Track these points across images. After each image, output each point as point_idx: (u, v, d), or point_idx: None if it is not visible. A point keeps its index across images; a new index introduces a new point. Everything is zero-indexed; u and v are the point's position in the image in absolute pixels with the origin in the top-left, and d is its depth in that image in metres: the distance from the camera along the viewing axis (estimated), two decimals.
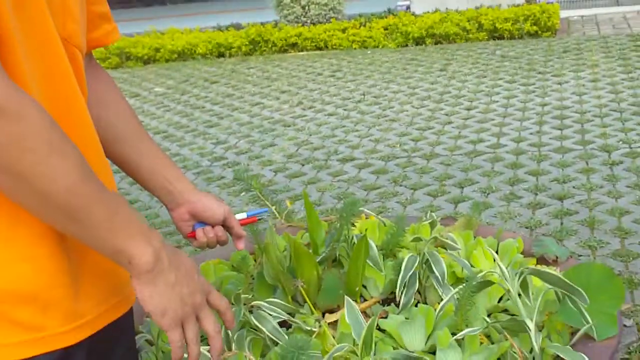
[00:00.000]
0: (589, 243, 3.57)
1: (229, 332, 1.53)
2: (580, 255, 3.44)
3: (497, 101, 6.21)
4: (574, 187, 4.28)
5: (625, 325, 2.87)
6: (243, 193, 4.76)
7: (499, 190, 4.38)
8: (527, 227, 3.84)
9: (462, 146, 5.23)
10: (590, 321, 1.42)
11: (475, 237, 1.89)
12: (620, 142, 4.90)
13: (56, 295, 1.06)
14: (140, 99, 7.96)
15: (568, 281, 1.43)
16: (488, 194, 4.34)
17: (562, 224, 3.84)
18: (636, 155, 4.65)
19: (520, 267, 1.73)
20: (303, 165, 5.25)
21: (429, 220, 1.89)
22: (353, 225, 1.94)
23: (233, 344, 1.52)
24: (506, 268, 1.57)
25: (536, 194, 4.25)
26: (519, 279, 1.48)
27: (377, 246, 1.83)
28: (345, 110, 6.50)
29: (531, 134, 5.30)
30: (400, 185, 4.65)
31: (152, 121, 6.96)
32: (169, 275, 1.08)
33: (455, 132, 5.55)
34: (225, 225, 1.59)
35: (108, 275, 1.15)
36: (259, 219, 1.72)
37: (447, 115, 5.99)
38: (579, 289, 1.42)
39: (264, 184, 4.91)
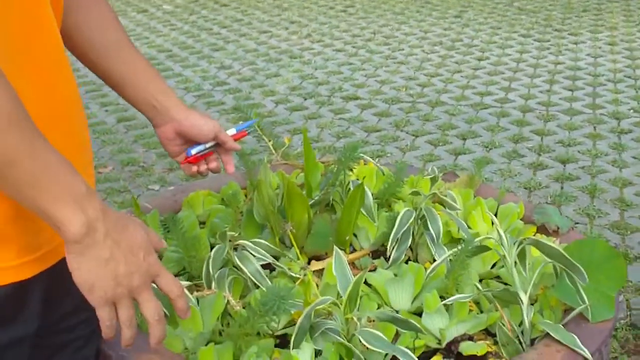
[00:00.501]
0: (588, 211, 3.51)
1: (211, 269, 1.47)
2: (577, 223, 3.38)
3: (510, 54, 6.08)
4: (578, 151, 4.20)
5: None
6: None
7: (502, 146, 4.29)
8: (526, 188, 3.77)
9: (469, 97, 5.12)
10: (587, 301, 1.36)
11: (475, 196, 1.82)
12: (632, 111, 4.80)
13: (11, 229, 0.99)
14: (148, 15, 7.80)
15: (569, 257, 1.36)
16: (490, 149, 4.26)
17: (562, 188, 3.77)
18: None
19: (519, 235, 1.68)
20: (305, 99, 5.15)
21: (431, 175, 1.81)
22: (351, 170, 1.86)
23: (213, 283, 1.46)
24: (505, 234, 1.51)
25: (539, 155, 4.17)
26: (517, 248, 1.41)
27: (372, 194, 1.76)
28: (354, 47, 6.37)
29: (541, 92, 5.19)
30: (402, 131, 4.56)
31: (157, 39, 6.83)
32: (102, 250, 0.95)
33: (464, 81, 5.44)
34: (216, 143, 1.51)
35: None
36: (249, 132, 1.66)
37: (457, 63, 5.87)
38: (579, 266, 1.35)
39: (264, 114, 4.82)
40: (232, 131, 1.58)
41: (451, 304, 1.40)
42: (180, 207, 1.84)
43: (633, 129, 4.50)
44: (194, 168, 1.51)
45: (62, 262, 1.05)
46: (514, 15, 7.44)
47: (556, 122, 4.65)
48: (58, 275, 1.08)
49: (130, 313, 1.03)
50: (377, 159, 4.00)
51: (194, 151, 1.51)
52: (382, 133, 4.53)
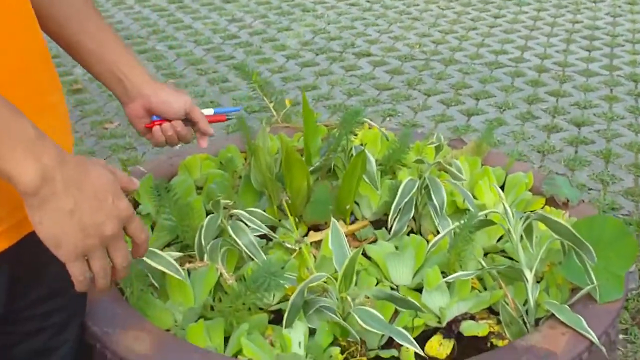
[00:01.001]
0: (602, 177, 3.42)
1: (203, 240, 1.41)
2: (591, 189, 3.30)
3: (526, 12, 5.95)
4: (594, 114, 4.10)
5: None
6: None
7: (516, 107, 4.20)
8: (539, 151, 3.68)
9: (484, 55, 5.01)
10: (595, 281, 1.29)
11: (483, 165, 1.75)
12: None
13: None
14: None
15: (577, 234, 1.29)
16: (504, 110, 4.16)
17: (576, 152, 3.68)
18: None
19: (527, 207, 1.61)
20: (317, 54, 5.06)
21: (436, 143, 1.74)
22: (354, 134, 1.79)
23: (205, 255, 1.40)
24: (511, 207, 1.44)
25: (554, 117, 4.08)
26: (523, 222, 1.34)
27: (376, 161, 1.69)
28: (368, 2, 6.24)
29: (557, 51, 5.07)
30: (414, 89, 4.47)
31: None
32: (64, 201, 0.85)
33: (479, 39, 5.32)
34: (188, 121, 1.42)
35: None
36: (229, 119, 1.56)
37: (472, 20, 5.74)
38: (588, 245, 1.28)
39: (275, 69, 4.73)
40: (208, 111, 1.48)
41: (452, 282, 1.34)
42: (177, 172, 1.77)
43: None
44: (160, 137, 1.41)
45: (28, 242, 0.98)
46: None
47: (572, 83, 4.54)
48: (24, 256, 1.01)
49: (104, 264, 0.93)
50: (388, 118, 3.92)
51: (156, 117, 1.40)
52: (394, 91, 4.44)
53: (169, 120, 1.40)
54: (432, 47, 5.16)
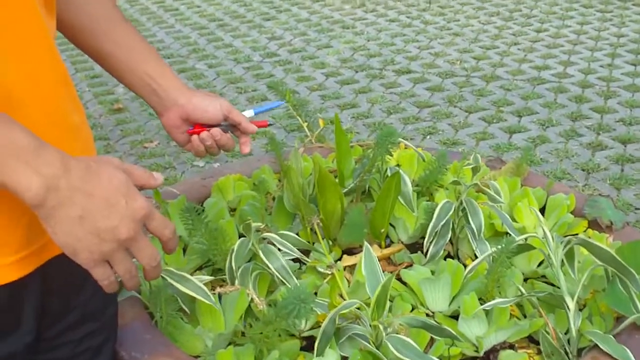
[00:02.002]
0: None
1: (234, 264, 1.38)
2: (638, 209, 3.21)
3: (570, 26, 5.85)
4: None
5: None
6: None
7: (559, 124, 4.12)
8: (583, 170, 3.60)
9: (526, 71, 4.94)
10: None
11: (522, 185, 1.70)
12: None
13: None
14: None
15: (621, 260, 1.24)
16: (547, 127, 4.09)
17: (622, 170, 3.59)
18: None
19: (569, 230, 1.55)
20: (357, 72, 5.03)
21: (473, 165, 1.69)
22: (390, 154, 1.75)
23: (236, 279, 1.37)
24: (552, 230, 1.39)
25: (598, 134, 3.99)
26: (564, 247, 1.29)
27: (412, 182, 1.65)
28: (408, 17, 6.21)
29: (601, 66, 4.98)
30: (455, 106, 4.41)
31: (208, 7, 6.75)
32: (72, 208, 0.82)
33: (521, 54, 5.25)
34: (229, 126, 1.37)
35: None
36: (270, 125, 1.50)
37: (514, 35, 5.67)
38: (633, 272, 1.23)
39: (314, 87, 4.71)
40: (249, 113, 1.43)
41: (490, 309, 1.29)
42: (210, 193, 1.75)
43: None
44: (199, 147, 1.36)
45: (58, 264, 0.97)
46: None
47: (617, 99, 4.45)
48: (54, 281, 0.99)
49: (127, 265, 0.90)
50: (428, 136, 3.87)
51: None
52: (434, 109, 4.38)
53: (208, 129, 1.36)
54: (473, 64, 5.09)
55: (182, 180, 1.84)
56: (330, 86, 4.77)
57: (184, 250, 1.56)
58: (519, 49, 5.36)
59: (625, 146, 3.85)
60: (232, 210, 1.71)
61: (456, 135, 4.03)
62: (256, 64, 5.25)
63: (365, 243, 1.37)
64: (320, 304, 1.30)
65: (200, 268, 1.53)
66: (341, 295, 1.33)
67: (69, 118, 0.99)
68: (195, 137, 1.36)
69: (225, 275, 1.43)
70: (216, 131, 1.35)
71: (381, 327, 1.14)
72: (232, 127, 1.38)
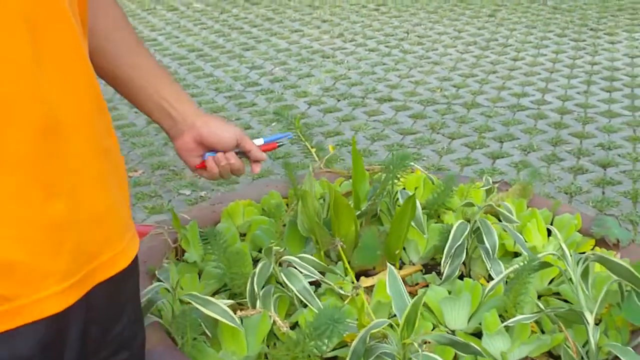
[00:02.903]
0: (631, 217, 3.40)
1: (256, 287, 1.40)
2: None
3: (545, 55, 5.97)
4: (619, 155, 4.08)
5: None
6: (274, 123, 4.60)
7: (540, 149, 4.19)
8: (566, 193, 3.66)
9: (505, 98, 5.02)
10: None
11: (528, 207, 1.74)
12: None
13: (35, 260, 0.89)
14: (178, 14, 7.77)
15: (638, 275, 1.28)
16: (528, 153, 4.16)
17: (603, 193, 3.66)
18: None
19: (578, 249, 1.59)
20: (339, 100, 5.08)
21: (487, 187, 1.73)
22: (397, 178, 1.78)
23: (258, 301, 1.39)
24: (567, 250, 1.42)
25: (579, 158, 4.07)
26: (582, 264, 1.32)
27: (421, 204, 1.68)
28: (387, 47, 6.28)
29: (578, 93, 5.08)
30: (438, 133, 4.47)
31: (187, 38, 6.78)
32: None
33: (499, 82, 5.33)
34: (240, 152, 1.38)
35: (100, 223, 0.98)
36: (279, 145, 1.50)
37: (492, 63, 5.76)
38: None
39: (296, 116, 4.74)
40: (259, 141, 1.44)
41: (512, 325, 1.32)
42: (219, 218, 1.77)
43: None
44: (214, 169, 1.36)
45: (99, 294, 0.98)
46: (548, 14, 7.31)
47: (595, 124, 4.53)
48: (95, 312, 1.00)
49: None
50: (412, 163, 3.91)
51: (209, 154, 1.36)
52: (418, 135, 4.44)
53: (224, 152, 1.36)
54: (453, 91, 5.17)
55: (191, 208, 1.85)
56: (313, 114, 4.82)
57: (199, 275, 1.57)
58: (497, 77, 5.45)
59: (605, 170, 3.92)
60: (242, 235, 1.73)
61: (440, 161, 4.08)
62: (238, 93, 5.28)
63: (389, 265, 1.40)
64: (347, 326, 1.32)
65: (217, 292, 1.54)
66: (368, 316, 1.35)
67: (103, 142, 1.01)
68: (210, 159, 1.35)
69: (242, 299, 1.45)
70: (231, 154, 1.36)
71: (416, 344, 1.16)
72: (243, 154, 1.39)
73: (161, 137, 4.47)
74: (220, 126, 1.34)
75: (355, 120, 4.71)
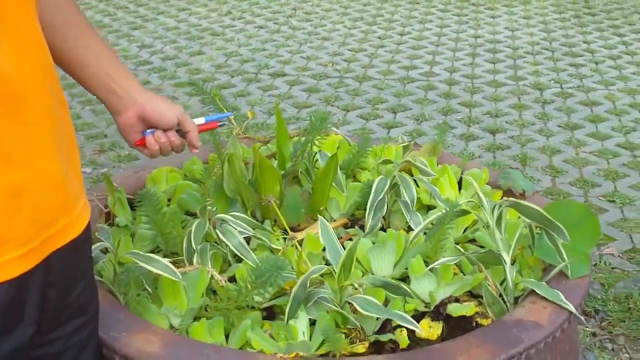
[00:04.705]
0: None
1: (193, 244, 1.45)
2: None
3: (430, 29, 6.16)
4: (506, 122, 4.29)
5: None
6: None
7: (432, 118, 4.36)
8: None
9: (395, 71, 5.17)
10: (567, 259, 1.40)
11: (439, 164, 1.85)
12: (552, 82, 4.93)
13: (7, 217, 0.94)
14: None
15: (549, 217, 1.40)
16: (421, 122, 4.31)
17: (494, 157, 3.85)
18: (567, 95, 4.69)
19: (488, 198, 1.71)
20: (232, 77, 5.11)
21: (404, 144, 1.83)
22: (323, 138, 1.85)
23: (195, 258, 1.44)
24: (471, 201, 1.54)
25: (469, 126, 4.25)
26: (498, 210, 1.44)
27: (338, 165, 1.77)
28: (275, 24, 6.34)
29: (464, 65, 5.28)
30: (332, 105, 4.57)
31: None
32: None
33: (388, 56, 5.48)
34: (179, 130, 1.41)
35: (56, 190, 1.02)
36: (220, 125, 1.55)
37: (379, 38, 5.91)
38: (560, 225, 1.39)
39: (192, 93, 4.75)
40: (200, 120, 1.48)
41: (436, 268, 1.42)
42: (144, 184, 1.81)
43: (555, 99, 4.63)
44: (155, 145, 1.40)
45: (57, 259, 1.02)
46: None
47: (482, 94, 4.74)
48: (54, 275, 1.03)
49: None
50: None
51: (148, 131, 1.39)
52: (313, 108, 4.53)
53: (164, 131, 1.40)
54: (344, 65, 5.28)
55: (116, 174, 1.88)
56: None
57: (132, 238, 1.61)
58: (386, 51, 5.60)
59: (494, 136, 4.12)
60: (167, 200, 1.77)
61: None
62: (130, 72, 5.23)
63: (320, 217, 1.48)
64: (288, 275, 1.40)
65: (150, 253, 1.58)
66: (305, 264, 1.43)
67: (57, 111, 1.04)
68: (150, 136, 1.38)
69: (177, 257, 1.50)
70: (172, 132, 1.39)
71: (356, 285, 1.25)
72: (181, 133, 1.42)
73: None
74: (163, 104, 1.37)
75: (250, 95, 4.77)
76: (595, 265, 2.95)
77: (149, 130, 1.38)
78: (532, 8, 6.76)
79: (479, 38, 5.89)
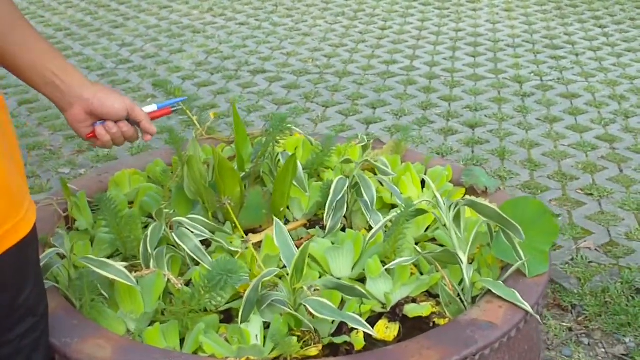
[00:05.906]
0: (499, 173, 3.59)
1: (149, 248, 1.44)
2: None
3: (411, 23, 6.14)
4: (485, 115, 4.29)
5: None
6: (150, 99, 4.58)
7: (412, 113, 4.34)
8: (438, 154, 3.83)
9: (376, 66, 5.16)
10: (524, 257, 1.40)
11: (403, 162, 1.84)
12: (532, 74, 4.92)
13: None
14: None
15: (505, 215, 1.40)
16: (400, 117, 4.30)
17: (473, 152, 3.84)
18: (547, 88, 4.69)
19: (450, 197, 1.70)
20: (212, 74, 5.09)
21: (362, 143, 1.82)
22: (283, 138, 1.84)
23: (151, 262, 1.44)
24: (440, 197, 1.53)
25: (448, 120, 4.24)
26: (454, 209, 1.43)
27: (301, 164, 1.76)
28: (256, 20, 6.32)
29: (444, 59, 5.27)
30: (312, 102, 4.56)
31: (53, 17, 6.61)
32: None
33: (369, 51, 5.47)
34: (130, 121, 1.39)
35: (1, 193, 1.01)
36: (174, 110, 1.54)
37: (360, 33, 5.89)
38: (516, 224, 1.39)
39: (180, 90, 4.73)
40: (151, 107, 1.46)
41: (393, 268, 1.42)
42: (107, 188, 1.80)
43: (535, 92, 4.62)
44: (105, 137, 1.38)
45: (6, 260, 1.02)
46: None
47: (461, 88, 4.73)
48: (5, 276, 1.03)
49: None
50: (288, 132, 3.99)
51: (99, 123, 1.38)
52: (293, 105, 4.51)
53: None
54: (324, 61, 5.27)
55: (79, 177, 1.87)
56: (187, 89, 4.82)
57: (92, 242, 1.60)
58: (366, 46, 5.58)
59: (473, 130, 4.11)
60: (130, 203, 1.76)
61: (316, 128, 4.18)
62: (110, 71, 5.21)
63: (276, 219, 1.47)
64: (240, 277, 1.39)
65: (109, 257, 1.57)
66: (259, 267, 1.42)
67: None
68: (99, 127, 1.37)
69: (136, 261, 1.49)
70: (123, 123, 1.38)
71: (306, 288, 1.24)
72: (134, 123, 1.41)
73: (34, 118, 4.37)
74: (109, 97, 1.35)
75: (230, 92, 4.75)
76: (572, 259, 2.95)
77: (99, 122, 1.37)
78: (514, 0, 6.75)
79: (460, 32, 5.88)
